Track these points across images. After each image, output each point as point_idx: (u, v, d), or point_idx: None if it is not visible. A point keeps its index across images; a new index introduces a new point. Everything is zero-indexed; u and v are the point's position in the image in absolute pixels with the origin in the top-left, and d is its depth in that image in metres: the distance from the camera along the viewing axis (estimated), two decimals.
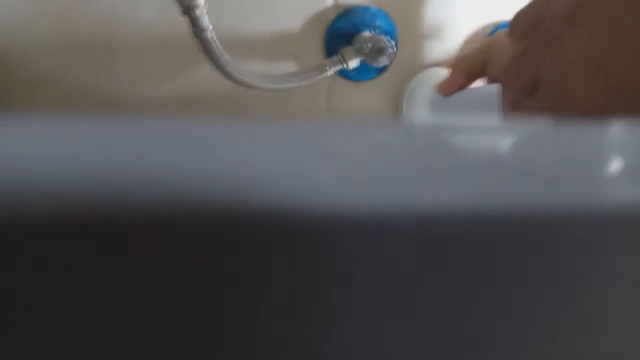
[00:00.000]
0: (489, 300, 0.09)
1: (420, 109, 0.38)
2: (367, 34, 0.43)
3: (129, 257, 0.08)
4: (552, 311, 0.10)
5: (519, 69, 0.21)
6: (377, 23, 0.43)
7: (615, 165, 0.11)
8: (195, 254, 0.08)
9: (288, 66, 0.45)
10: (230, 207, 0.08)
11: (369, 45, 0.42)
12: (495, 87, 0.30)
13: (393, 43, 0.42)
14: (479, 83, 0.35)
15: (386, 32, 0.43)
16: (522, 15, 0.22)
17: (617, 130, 0.12)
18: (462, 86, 0.35)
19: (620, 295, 0.10)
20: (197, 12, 0.34)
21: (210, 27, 0.35)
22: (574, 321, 0.10)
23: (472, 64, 0.34)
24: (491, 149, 0.11)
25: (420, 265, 0.09)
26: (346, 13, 0.42)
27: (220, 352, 0.09)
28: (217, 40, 0.36)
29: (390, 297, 0.09)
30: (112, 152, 0.09)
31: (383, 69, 0.46)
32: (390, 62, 0.44)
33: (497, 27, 0.46)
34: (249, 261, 0.08)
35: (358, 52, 0.42)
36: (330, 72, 0.42)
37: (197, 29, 0.35)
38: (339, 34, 0.43)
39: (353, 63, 0.42)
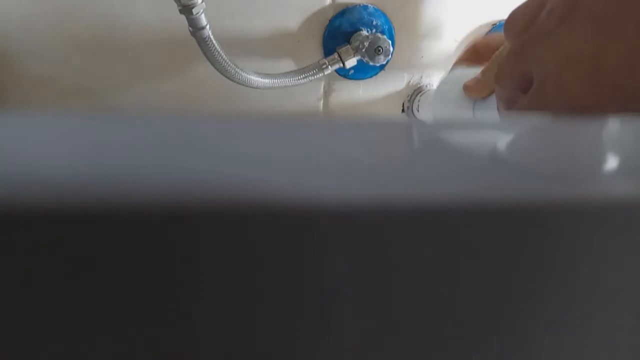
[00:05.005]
0: (485, 294, 0.10)
1: (453, 110, 0.36)
2: (364, 32, 0.43)
3: (127, 251, 0.08)
4: (546, 304, 0.10)
5: (511, 65, 0.21)
6: (375, 22, 0.43)
7: (611, 160, 0.11)
8: (200, 248, 0.08)
9: (286, 65, 0.45)
10: (229, 200, 0.08)
11: (367, 44, 0.42)
12: None
13: (390, 42, 0.42)
14: None
15: (383, 31, 0.43)
16: (517, 14, 0.22)
17: (613, 126, 0.12)
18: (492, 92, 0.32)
19: (616, 287, 0.10)
20: (195, 10, 0.34)
21: (208, 26, 0.36)
22: (569, 313, 0.10)
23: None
24: (487, 145, 0.11)
25: (418, 259, 0.09)
26: (344, 12, 0.42)
27: (219, 346, 0.09)
28: (214, 39, 0.37)
29: (388, 288, 0.09)
30: (111, 147, 0.09)
31: (381, 68, 0.46)
32: (388, 61, 0.44)
33: (494, 27, 0.46)
34: (251, 252, 0.08)
35: (356, 51, 0.42)
36: (328, 70, 0.42)
37: (194, 27, 0.35)
38: (337, 33, 0.43)
39: (351, 62, 0.43)
